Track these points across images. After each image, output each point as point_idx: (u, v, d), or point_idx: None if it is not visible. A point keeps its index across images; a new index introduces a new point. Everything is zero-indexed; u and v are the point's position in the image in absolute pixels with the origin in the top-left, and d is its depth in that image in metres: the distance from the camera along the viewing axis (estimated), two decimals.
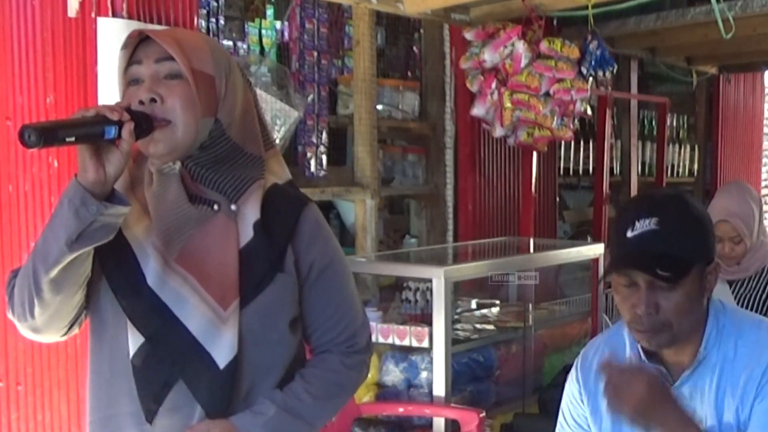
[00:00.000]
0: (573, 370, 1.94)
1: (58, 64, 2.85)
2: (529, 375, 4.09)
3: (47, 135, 1.37)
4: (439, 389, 3.35)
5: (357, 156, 4.31)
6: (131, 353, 1.56)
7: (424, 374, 3.51)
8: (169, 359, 1.56)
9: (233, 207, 1.61)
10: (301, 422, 1.65)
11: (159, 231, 1.57)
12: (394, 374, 3.57)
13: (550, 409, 3.72)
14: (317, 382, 1.68)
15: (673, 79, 6.69)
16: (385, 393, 3.60)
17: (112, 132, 1.42)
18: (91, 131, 1.42)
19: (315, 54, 4.05)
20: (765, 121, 8.11)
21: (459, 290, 4.21)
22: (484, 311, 4.22)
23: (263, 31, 4.33)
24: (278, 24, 4.34)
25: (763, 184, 8.22)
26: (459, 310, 4.08)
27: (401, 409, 3.52)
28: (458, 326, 3.87)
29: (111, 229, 1.47)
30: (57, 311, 1.56)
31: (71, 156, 2.80)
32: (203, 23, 3.78)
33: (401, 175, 4.86)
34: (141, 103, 1.52)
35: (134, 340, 1.56)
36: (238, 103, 1.62)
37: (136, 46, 1.57)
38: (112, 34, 2.77)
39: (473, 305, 4.25)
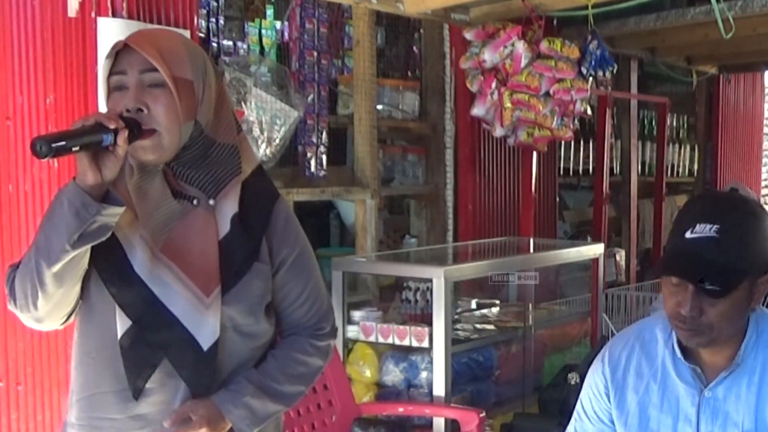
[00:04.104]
0: (598, 364, 1.93)
1: (58, 64, 2.85)
2: (529, 375, 4.09)
3: (57, 145, 1.48)
4: (439, 389, 3.35)
5: (357, 156, 4.31)
6: (119, 335, 1.66)
7: (424, 374, 3.51)
8: (155, 341, 1.66)
9: (211, 202, 1.72)
10: (276, 400, 1.76)
11: (146, 224, 1.67)
12: (394, 374, 3.57)
13: (550, 409, 3.72)
14: (290, 363, 1.79)
15: (673, 79, 6.70)
16: (385, 393, 3.60)
17: (108, 139, 1.53)
18: (93, 140, 1.52)
19: (315, 54, 4.04)
20: (765, 121, 8.11)
21: (459, 290, 4.21)
22: (484, 311, 4.22)
23: (263, 31, 4.33)
24: (278, 24, 4.34)
25: (763, 184, 8.22)
26: (459, 310, 4.08)
27: (401, 409, 3.52)
28: (458, 326, 3.87)
29: (108, 228, 1.57)
30: (59, 302, 1.64)
31: (70, 157, 2.79)
32: (203, 23, 3.78)
33: (401, 175, 4.86)
34: (128, 111, 1.62)
35: (122, 324, 1.66)
36: (213, 101, 1.72)
37: (118, 51, 1.66)
38: (112, 34, 2.76)
39: (473, 305, 4.26)
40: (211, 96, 1.71)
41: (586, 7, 4.18)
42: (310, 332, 1.83)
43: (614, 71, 4.68)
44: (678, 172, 7.13)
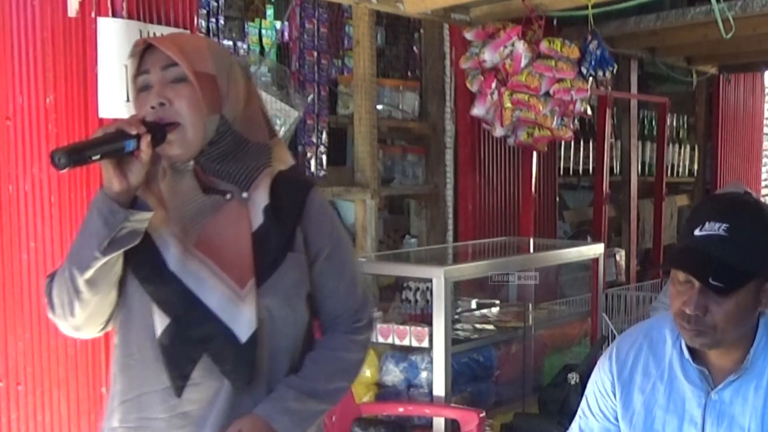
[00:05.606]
0: (605, 361, 1.93)
1: (58, 64, 2.84)
2: (529, 375, 4.09)
3: (76, 156, 1.49)
4: (439, 389, 3.35)
5: (357, 156, 4.30)
6: (158, 333, 1.67)
7: (424, 374, 3.51)
8: (194, 337, 1.67)
9: (245, 195, 1.73)
10: (318, 399, 1.79)
11: (176, 220, 1.69)
12: (394, 374, 3.57)
13: (550, 409, 3.72)
14: (329, 361, 1.81)
15: (673, 79, 6.69)
16: (385, 393, 3.60)
17: (131, 145, 1.55)
18: (114, 147, 1.54)
19: (315, 54, 4.05)
20: (765, 121, 8.10)
21: (459, 290, 4.21)
22: (484, 311, 4.22)
23: (263, 31, 4.33)
24: (278, 24, 4.34)
25: (763, 184, 8.22)
26: (459, 310, 4.08)
27: (401, 409, 3.52)
28: (458, 326, 3.87)
29: (138, 233, 1.60)
30: (95, 309, 1.68)
31: None
32: (203, 23, 3.78)
33: (401, 175, 4.86)
34: (152, 107, 1.65)
35: (161, 322, 1.67)
36: (241, 98, 1.74)
37: (143, 54, 1.70)
38: (112, 34, 2.77)
39: (473, 305, 4.26)
40: (237, 91, 1.73)
41: (586, 7, 4.18)
42: (347, 326, 1.85)
43: (614, 71, 4.67)
44: (678, 172, 7.13)
